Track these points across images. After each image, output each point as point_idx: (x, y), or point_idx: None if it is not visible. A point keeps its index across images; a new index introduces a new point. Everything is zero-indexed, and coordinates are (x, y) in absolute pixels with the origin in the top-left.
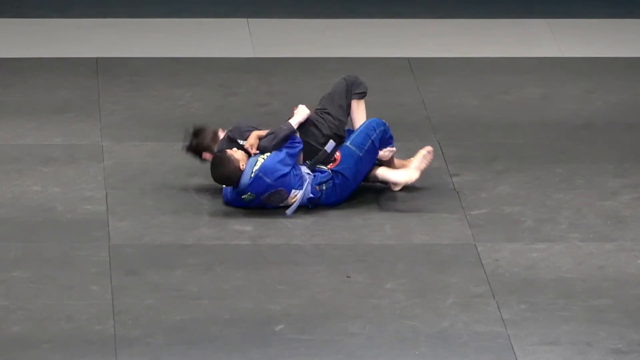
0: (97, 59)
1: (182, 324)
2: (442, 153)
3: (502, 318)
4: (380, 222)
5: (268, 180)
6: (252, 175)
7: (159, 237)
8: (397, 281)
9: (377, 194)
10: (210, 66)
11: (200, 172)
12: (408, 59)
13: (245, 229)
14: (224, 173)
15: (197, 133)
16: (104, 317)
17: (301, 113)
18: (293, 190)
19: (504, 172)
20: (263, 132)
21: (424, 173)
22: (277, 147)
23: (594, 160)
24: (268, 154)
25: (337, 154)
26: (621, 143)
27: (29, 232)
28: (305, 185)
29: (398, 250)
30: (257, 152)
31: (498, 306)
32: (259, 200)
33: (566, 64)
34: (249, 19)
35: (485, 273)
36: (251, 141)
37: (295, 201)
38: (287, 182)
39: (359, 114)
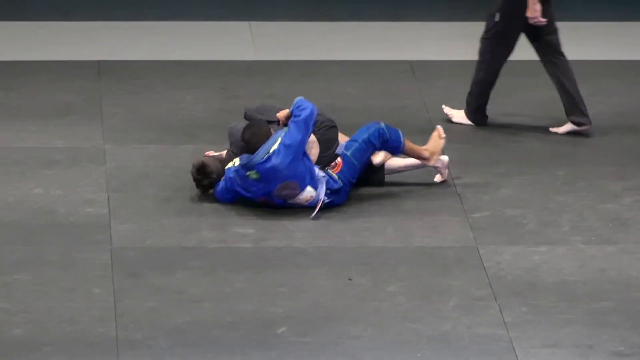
0: (99, 62)
1: (184, 327)
2: None
3: (504, 321)
4: (382, 224)
5: (277, 162)
6: (270, 152)
7: (160, 240)
8: (399, 284)
9: (379, 197)
10: (212, 69)
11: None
12: (410, 62)
13: (247, 232)
14: (256, 135)
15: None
16: (106, 320)
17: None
18: (308, 188)
19: (505, 175)
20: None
21: (426, 175)
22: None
23: (596, 163)
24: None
25: (339, 160)
26: (623, 146)
27: (31, 235)
28: (320, 187)
29: (400, 253)
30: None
31: (500, 309)
32: (268, 190)
33: None
34: (251, 22)
35: (487, 276)
36: (282, 114)
37: (310, 200)
38: (298, 172)
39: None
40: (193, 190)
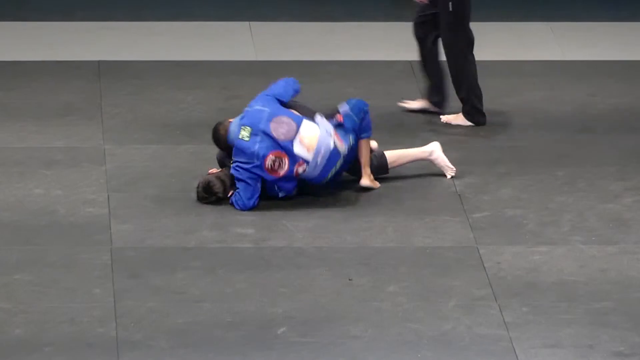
0: (99, 62)
1: (184, 327)
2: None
3: (504, 321)
4: (383, 225)
5: (256, 104)
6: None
7: (161, 240)
8: (399, 284)
9: (379, 197)
10: (213, 69)
11: (202, 175)
12: (410, 62)
13: (248, 232)
14: (214, 136)
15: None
16: (106, 320)
17: None
18: (306, 122)
19: (506, 175)
20: None
21: (426, 175)
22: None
23: (596, 163)
24: None
25: (339, 116)
26: (623, 146)
27: (31, 235)
28: (321, 123)
29: (400, 253)
30: None
31: (500, 309)
32: (267, 138)
33: (568, 67)
34: (251, 22)
35: (487, 276)
36: None
37: (320, 139)
38: (283, 110)
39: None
40: (193, 190)
